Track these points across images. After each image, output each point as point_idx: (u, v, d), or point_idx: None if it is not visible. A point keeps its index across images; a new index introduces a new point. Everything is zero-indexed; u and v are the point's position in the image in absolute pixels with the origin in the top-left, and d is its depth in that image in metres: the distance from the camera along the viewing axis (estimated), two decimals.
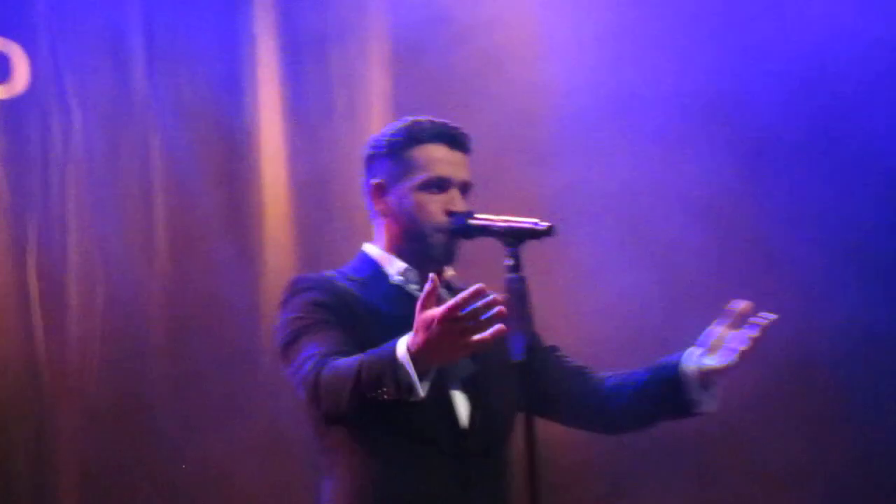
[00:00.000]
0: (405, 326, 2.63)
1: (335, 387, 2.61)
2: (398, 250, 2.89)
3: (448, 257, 2.86)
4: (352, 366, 2.59)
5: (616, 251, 4.47)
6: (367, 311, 2.81)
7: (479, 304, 2.45)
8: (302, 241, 4.43)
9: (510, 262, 2.66)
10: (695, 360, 2.83)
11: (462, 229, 2.82)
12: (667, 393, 2.85)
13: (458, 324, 2.46)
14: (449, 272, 2.92)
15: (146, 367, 4.26)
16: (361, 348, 2.66)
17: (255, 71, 4.47)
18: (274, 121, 4.48)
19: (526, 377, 2.65)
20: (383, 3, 4.56)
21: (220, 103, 4.44)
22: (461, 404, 2.82)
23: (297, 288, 2.83)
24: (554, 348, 3.03)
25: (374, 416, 2.71)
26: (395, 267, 2.88)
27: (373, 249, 2.92)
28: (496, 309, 2.45)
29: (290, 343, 2.77)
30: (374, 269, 2.89)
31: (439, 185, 2.86)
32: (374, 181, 2.90)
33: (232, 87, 4.46)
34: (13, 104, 4.23)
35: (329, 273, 2.89)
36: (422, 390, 2.53)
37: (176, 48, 4.39)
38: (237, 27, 4.47)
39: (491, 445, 2.84)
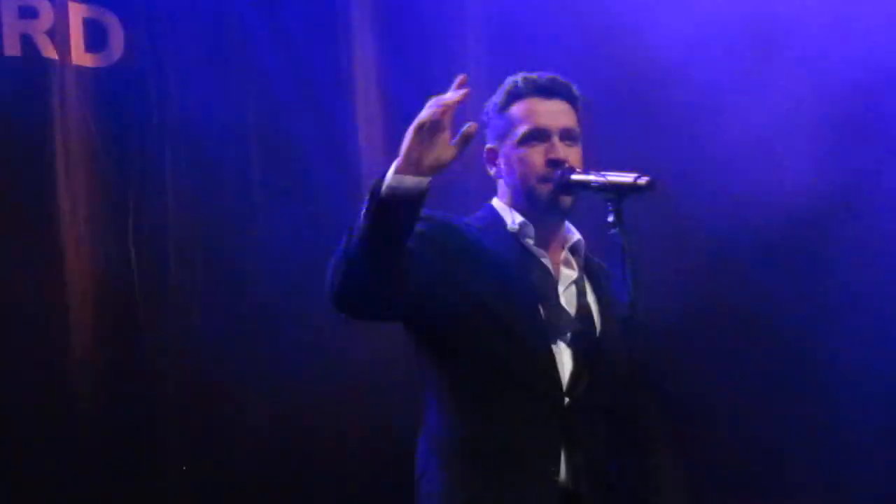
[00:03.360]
0: (513, 269, 2.81)
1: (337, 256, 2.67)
2: (516, 205, 2.95)
3: (555, 209, 2.90)
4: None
5: None
6: (478, 249, 2.88)
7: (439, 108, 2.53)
8: None
9: (612, 217, 2.71)
10: None
11: (563, 184, 2.85)
12: None
13: (423, 129, 2.55)
14: (573, 237, 2.97)
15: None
16: (456, 282, 2.77)
17: (351, 54, 4.52)
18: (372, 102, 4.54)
19: (628, 338, 2.74)
20: None
21: (317, 80, 4.48)
22: (566, 358, 2.87)
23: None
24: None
25: (477, 359, 2.80)
26: (512, 219, 2.93)
27: (497, 202, 3.00)
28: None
29: None
30: (493, 219, 2.96)
31: (538, 135, 2.90)
32: (486, 147, 2.99)
33: (331, 67, 4.50)
34: (110, 72, 4.26)
35: (455, 217, 2.95)
36: (387, 184, 2.55)
37: (275, 26, 4.44)
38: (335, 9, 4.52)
39: (592, 401, 2.87)
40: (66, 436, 4.07)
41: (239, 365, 4.26)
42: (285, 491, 4.28)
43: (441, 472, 2.87)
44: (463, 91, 2.59)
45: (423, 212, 2.69)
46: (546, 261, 2.93)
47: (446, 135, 2.59)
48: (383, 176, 2.59)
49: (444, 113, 2.57)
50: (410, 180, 2.57)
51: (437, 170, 2.59)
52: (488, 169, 3.01)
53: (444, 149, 2.58)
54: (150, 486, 4.14)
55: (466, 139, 2.58)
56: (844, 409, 4.44)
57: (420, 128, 2.56)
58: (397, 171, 2.57)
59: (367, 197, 2.60)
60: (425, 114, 2.57)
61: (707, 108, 4.53)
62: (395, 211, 2.58)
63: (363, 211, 2.60)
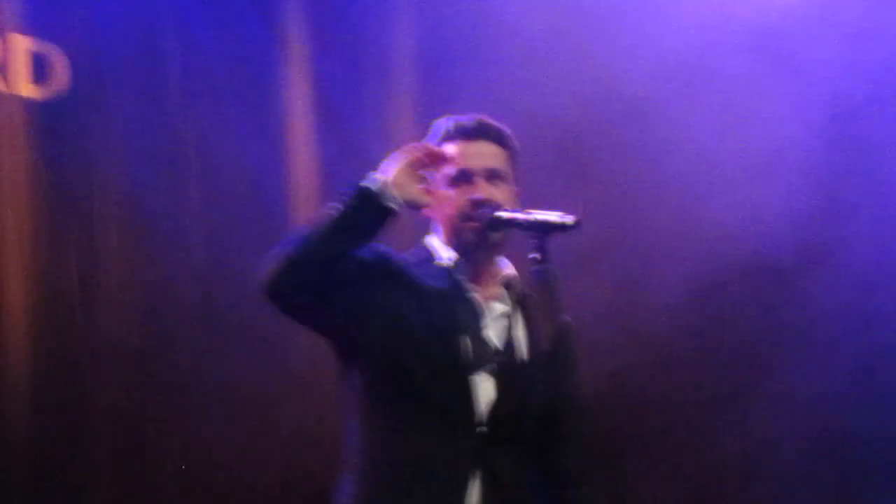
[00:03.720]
0: (439, 301, 2.91)
1: (283, 244, 2.83)
2: (448, 242, 3.02)
3: (483, 246, 2.98)
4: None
5: None
6: (409, 281, 2.96)
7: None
8: None
9: (536, 254, 2.79)
10: None
11: (489, 222, 2.93)
12: None
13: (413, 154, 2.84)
14: (505, 271, 3.04)
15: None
16: (383, 308, 2.89)
17: (287, 68, 4.75)
18: (305, 116, 4.78)
19: (550, 368, 2.87)
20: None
21: (253, 96, 4.72)
22: (487, 388, 2.93)
23: None
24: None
25: (395, 384, 2.90)
26: (446, 254, 3.02)
27: (432, 239, 3.07)
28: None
29: None
30: (427, 254, 3.04)
31: (463, 177, 2.97)
32: (420, 187, 3.04)
33: (267, 81, 4.74)
34: (54, 104, 4.40)
35: (392, 251, 3.04)
36: (369, 183, 2.80)
37: (209, 43, 4.66)
38: (269, 24, 4.75)
39: (509, 430, 2.95)
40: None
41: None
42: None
43: (351, 490, 2.96)
44: (447, 154, 2.90)
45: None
46: (475, 295, 2.99)
47: (422, 177, 2.86)
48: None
49: (427, 156, 2.85)
50: (395, 193, 2.80)
51: (412, 206, 2.85)
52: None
53: (421, 192, 2.86)
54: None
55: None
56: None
57: (411, 161, 2.83)
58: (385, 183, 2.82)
59: (352, 190, 2.81)
60: (418, 150, 2.85)
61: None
62: (375, 205, 2.80)
63: (344, 199, 2.81)
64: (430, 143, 2.91)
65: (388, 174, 2.83)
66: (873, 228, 4.75)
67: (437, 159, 2.89)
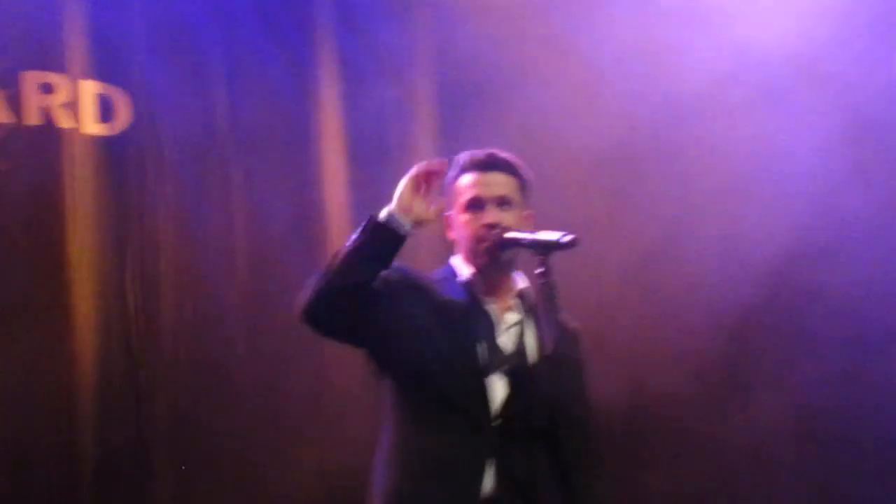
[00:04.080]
0: (458, 313, 3.25)
1: (315, 276, 3.17)
2: (467, 261, 3.38)
3: (496, 263, 3.32)
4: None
5: None
6: (432, 297, 3.32)
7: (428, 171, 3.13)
8: None
9: (540, 269, 3.10)
10: None
11: (499, 242, 3.27)
12: None
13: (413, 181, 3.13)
14: (518, 284, 3.38)
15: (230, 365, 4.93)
16: (409, 322, 3.22)
17: (319, 103, 5.23)
18: (336, 149, 5.23)
19: (556, 369, 3.17)
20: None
21: (288, 134, 5.18)
22: (500, 388, 3.26)
23: None
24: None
25: (421, 386, 3.23)
26: (465, 272, 3.37)
27: (455, 259, 3.42)
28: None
29: None
30: (450, 272, 3.40)
31: (475, 204, 3.33)
32: (444, 214, 3.37)
33: (300, 116, 5.21)
34: (116, 141, 4.86)
35: (416, 271, 3.39)
36: (384, 215, 3.12)
37: (253, 91, 5.12)
38: (303, 62, 5.21)
39: (520, 424, 3.26)
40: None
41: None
42: None
43: (383, 480, 3.29)
44: (443, 162, 3.19)
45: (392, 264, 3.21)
46: (491, 307, 3.33)
47: (428, 196, 3.15)
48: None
49: (427, 173, 3.14)
50: (402, 218, 3.12)
51: (420, 224, 3.15)
52: (448, 233, 3.41)
53: (426, 209, 3.15)
54: None
55: (439, 209, 3.19)
56: None
57: (411, 179, 3.14)
58: (392, 211, 3.13)
59: (363, 223, 3.13)
60: (414, 170, 3.15)
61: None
62: (384, 234, 3.11)
63: (357, 232, 3.12)
64: (427, 163, 3.18)
65: (394, 201, 3.16)
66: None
67: (433, 174, 3.16)
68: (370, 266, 3.15)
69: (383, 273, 3.18)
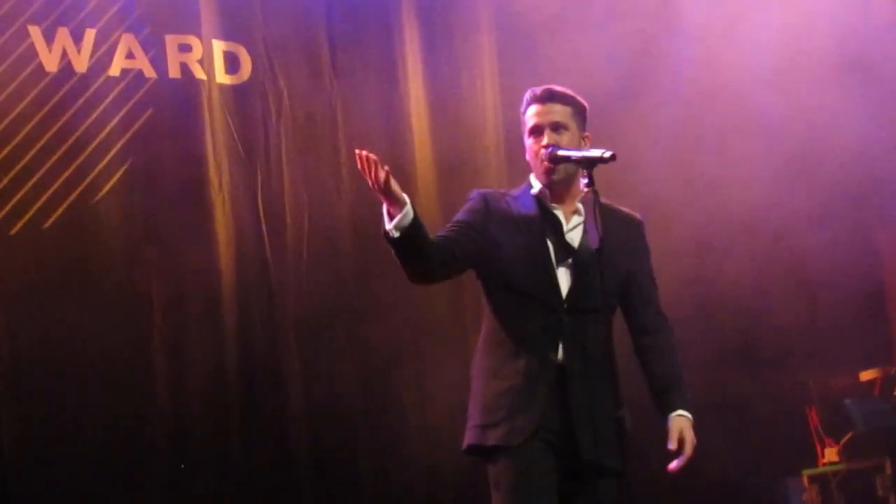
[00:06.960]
0: (532, 219, 3.76)
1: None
2: (537, 177, 3.85)
3: (557, 177, 3.77)
4: None
5: None
6: (507, 208, 3.80)
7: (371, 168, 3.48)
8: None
9: (585, 180, 3.59)
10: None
11: (553, 159, 3.72)
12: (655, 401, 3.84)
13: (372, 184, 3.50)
14: (581, 194, 3.77)
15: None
16: (492, 231, 3.73)
17: (405, 63, 6.12)
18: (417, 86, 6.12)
19: (602, 264, 3.61)
20: None
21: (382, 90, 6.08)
22: (567, 277, 3.76)
23: (467, 199, 3.88)
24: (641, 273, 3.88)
25: (506, 280, 3.75)
26: (536, 185, 3.86)
27: (530, 176, 3.89)
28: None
29: None
30: (527, 186, 3.88)
31: (536, 130, 3.81)
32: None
33: (388, 64, 6.09)
34: (241, 88, 5.78)
35: (493, 190, 3.92)
36: (388, 225, 3.52)
37: (350, 48, 6.04)
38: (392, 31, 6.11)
39: (585, 306, 3.71)
40: None
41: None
42: None
43: (482, 358, 3.82)
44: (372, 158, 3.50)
45: (472, 194, 3.81)
46: (558, 212, 3.77)
47: (379, 178, 3.48)
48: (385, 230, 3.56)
49: (376, 180, 3.50)
50: (391, 224, 3.53)
51: (397, 204, 3.51)
52: (525, 156, 3.87)
53: (391, 188, 3.50)
54: None
55: (386, 174, 3.50)
56: None
57: (374, 189, 3.52)
58: (389, 215, 3.53)
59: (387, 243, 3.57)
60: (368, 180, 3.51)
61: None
62: (395, 243, 3.55)
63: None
64: (359, 160, 3.50)
65: (384, 213, 3.55)
66: None
67: (373, 170, 3.47)
68: (411, 260, 3.63)
69: (469, 206, 3.81)
